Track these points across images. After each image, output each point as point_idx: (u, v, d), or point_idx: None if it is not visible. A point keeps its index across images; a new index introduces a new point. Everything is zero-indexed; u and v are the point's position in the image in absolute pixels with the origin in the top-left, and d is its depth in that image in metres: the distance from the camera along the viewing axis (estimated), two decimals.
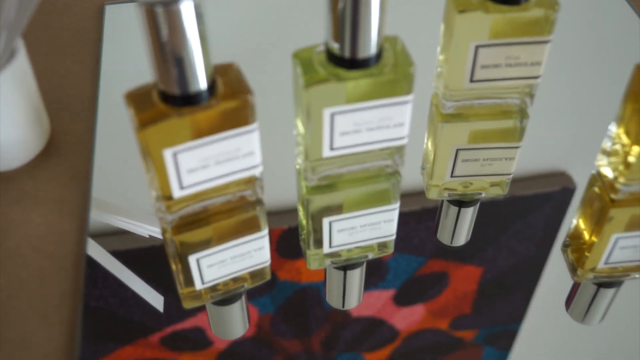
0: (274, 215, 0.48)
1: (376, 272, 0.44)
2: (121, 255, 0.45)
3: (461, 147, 0.50)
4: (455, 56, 0.45)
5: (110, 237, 0.45)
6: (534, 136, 0.51)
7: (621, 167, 0.42)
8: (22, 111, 0.44)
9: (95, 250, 0.44)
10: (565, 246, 0.47)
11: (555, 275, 0.45)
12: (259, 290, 0.43)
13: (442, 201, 0.50)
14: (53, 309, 0.39)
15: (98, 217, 0.45)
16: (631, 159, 0.41)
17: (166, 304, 0.43)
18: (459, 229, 0.50)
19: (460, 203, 0.50)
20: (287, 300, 0.43)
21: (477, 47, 0.44)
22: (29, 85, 0.44)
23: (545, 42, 0.44)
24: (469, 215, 0.50)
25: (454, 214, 0.50)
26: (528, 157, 0.51)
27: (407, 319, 0.43)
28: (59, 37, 0.55)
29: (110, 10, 0.58)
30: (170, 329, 0.42)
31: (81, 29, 0.55)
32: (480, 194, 0.50)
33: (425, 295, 0.43)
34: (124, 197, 0.46)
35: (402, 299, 0.43)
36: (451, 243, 0.49)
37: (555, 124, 0.53)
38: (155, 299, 0.44)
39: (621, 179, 0.43)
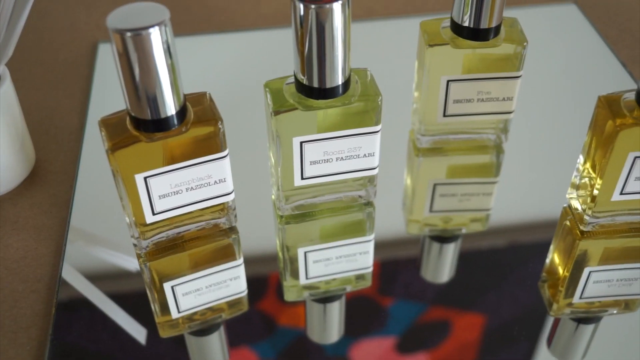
0: (268, 259, 0.48)
1: (377, 319, 0.43)
2: (100, 285, 0.45)
3: (438, 182, 0.50)
4: (428, 91, 0.46)
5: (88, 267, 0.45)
6: (519, 175, 0.51)
7: (588, 200, 0.43)
8: (6, 139, 0.45)
9: (74, 278, 0.45)
10: (542, 282, 0.47)
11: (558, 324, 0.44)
12: (259, 334, 0.42)
13: (424, 237, 0.51)
14: (23, 330, 0.40)
15: (77, 245, 0.46)
16: (596, 191, 0.42)
17: (151, 342, 0.42)
18: (442, 265, 0.50)
19: (442, 239, 0.50)
20: (288, 346, 0.42)
21: (448, 82, 0.45)
22: (14, 114, 0.46)
23: (516, 77, 0.45)
24: (450, 251, 0.50)
25: (437, 250, 0.50)
26: (526, 201, 0.51)
27: None
28: (53, 72, 0.57)
29: (103, 48, 0.60)
30: None
31: (74, 65, 0.57)
32: (461, 229, 0.51)
33: (428, 344, 0.42)
34: (103, 226, 0.47)
35: (405, 347, 0.42)
36: (435, 280, 0.49)
37: (529, 159, 0.53)
38: (135, 329, 0.44)
39: (589, 212, 0.43)
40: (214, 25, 0.63)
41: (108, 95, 0.55)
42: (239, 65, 0.58)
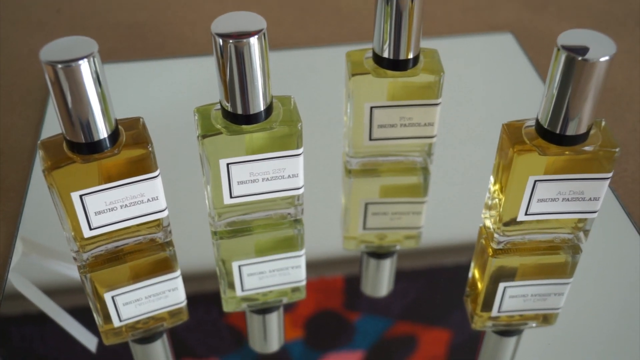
0: (207, 272, 0.50)
1: (343, 333, 0.45)
2: (47, 294, 0.48)
3: (370, 201, 0.54)
4: (353, 116, 0.49)
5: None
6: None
7: (498, 220, 0.46)
8: None
9: (24, 286, 0.47)
10: (466, 296, 0.50)
11: (529, 342, 0.45)
12: (227, 348, 0.44)
13: (362, 254, 0.54)
14: None
15: (31, 258, 0.49)
16: (501, 210, 0.45)
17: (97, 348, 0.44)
18: (380, 280, 0.53)
19: (379, 255, 0.53)
20: (257, 359, 0.44)
21: (371, 108, 0.48)
22: None
23: (435, 104, 0.48)
24: (387, 266, 0.53)
25: (375, 265, 0.53)
26: (451, 220, 0.53)
27: None
28: (11, 96, 0.61)
29: None
30: None
31: (30, 90, 0.61)
32: (395, 245, 0.54)
33: (394, 358, 0.44)
34: (48, 238, 0.49)
35: None
36: (376, 294, 0.51)
37: (454, 180, 0.56)
38: (80, 334, 0.46)
39: (498, 231, 0.46)
40: (167, 51, 0.66)
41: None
42: (189, 90, 0.61)
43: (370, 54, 0.48)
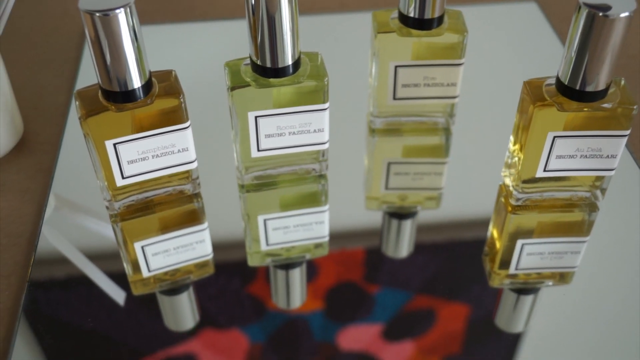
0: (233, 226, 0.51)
1: (363, 306, 0.45)
2: (77, 244, 0.49)
3: (392, 161, 0.55)
4: (378, 75, 0.50)
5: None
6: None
7: (516, 176, 0.47)
8: None
9: (56, 239, 0.49)
10: (484, 255, 0.51)
11: (545, 315, 0.45)
12: (249, 318, 0.45)
13: (384, 215, 0.55)
14: (4, 277, 0.45)
15: (56, 208, 0.50)
16: (520, 167, 0.46)
17: (158, 329, 0.45)
18: (401, 241, 0.53)
19: (399, 215, 0.54)
20: (278, 331, 0.44)
21: (396, 67, 0.49)
22: (4, 90, 0.51)
23: (458, 64, 0.49)
24: (408, 227, 0.53)
25: (396, 225, 0.53)
26: (473, 180, 0.54)
27: (396, 354, 0.43)
28: (45, 54, 0.62)
29: None
30: (163, 353, 0.43)
31: (64, 48, 0.63)
32: (416, 207, 0.55)
33: (413, 332, 0.44)
34: (81, 191, 0.51)
35: (391, 334, 0.44)
36: (395, 254, 0.51)
37: (475, 141, 0.56)
38: (117, 293, 0.47)
39: (517, 188, 0.48)
40: (198, 14, 0.67)
41: (93, 75, 0.60)
42: (221, 51, 0.63)
43: (396, 15, 0.49)
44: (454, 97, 0.52)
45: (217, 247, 0.49)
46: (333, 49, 0.64)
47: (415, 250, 0.49)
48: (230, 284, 0.47)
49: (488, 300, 0.46)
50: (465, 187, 0.53)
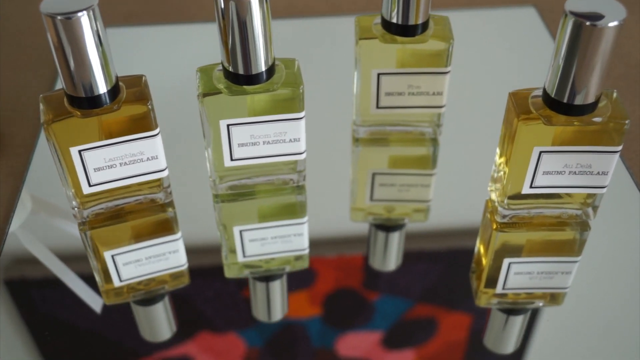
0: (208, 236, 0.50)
1: (362, 313, 0.44)
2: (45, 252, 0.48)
3: (377, 171, 0.53)
4: (360, 83, 0.48)
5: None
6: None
7: (501, 192, 0.45)
8: None
9: (30, 244, 0.48)
10: (471, 272, 0.49)
11: (549, 327, 0.44)
12: (246, 322, 0.44)
13: (370, 227, 0.53)
14: None
15: (32, 212, 0.49)
16: (505, 182, 0.44)
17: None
18: (389, 254, 0.52)
19: (387, 227, 0.52)
20: (275, 335, 0.43)
21: (379, 75, 0.47)
22: None
23: (444, 73, 0.47)
24: (396, 240, 0.51)
25: (382, 238, 0.52)
26: (460, 193, 0.52)
27: None
28: (26, 55, 0.61)
29: None
30: (159, 356, 0.43)
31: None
32: (404, 219, 0.53)
33: (414, 340, 0.43)
34: (54, 198, 0.50)
35: (391, 342, 0.43)
36: (383, 268, 0.50)
37: (463, 152, 0.55)
38: (94, 300, 0.46)
39: (502, 204, 0.45)
40: (176, 16, 0.66)
41: None
42: (198, 55, 0.61)
43: (379, 20, 0.47)
44: (440, 107, 0.50)
45: (203, 251, 0.48)
46: (322, 53, 0.63)
47: (415, 258, 0.48)
48: (228, 286, 0.46)
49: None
50: (453, 199, 0.51)
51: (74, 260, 0.47)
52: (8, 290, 0.45)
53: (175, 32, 0.66)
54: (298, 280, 0.46)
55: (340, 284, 0.46)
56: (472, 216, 0.50)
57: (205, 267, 0.48)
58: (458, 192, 0.51)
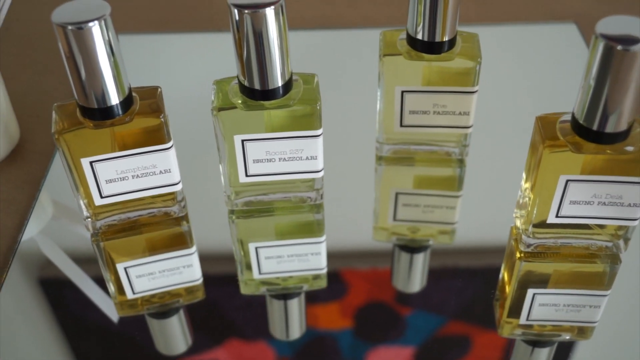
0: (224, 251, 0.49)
1: (394, 327, 0.43)
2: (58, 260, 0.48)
3: (401, 191, 0.51)
4: (384, 100, 0.47)
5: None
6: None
7: (526, 219, 0.43)
8: None
9: (50, 250, 0.47)
10: (495, 300, 0.47)
11: (590, 350, 0.43)
12: (249, 330, 0.43)
13: (394, 247, 0.51)
14: None
15: (53, 218, 0.49)
16: (530, 210, 0.42)
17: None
18: (413, 276, 0.50)
19: (412, 249, 0.50)
20: (305, 346, 0.43)
21: (403, 92, 0.46)
22: None
23: (471, 92, 0.45)
24: (420, 261, 0.50)
25: (407, 259, 0.50)
26: (486, 216, 0.50)
27: None
28: (50, 59, 0.61)
29: None
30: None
31: None
32: (429, 240, 0.51)
33: (446, 358, 0.42)
34: (67, 205, 0.50)
35: (422, 359, 0.42)
36: (407, 289, 0.48)
37: (490, 174, 0.53)
38: (103, 302, 0.45)
39: (526, 232, 0.43)
40: (196, 25, 0.65)
41: None
42: (218, 66, 0.60)
43: (404, 36, 0.45)
44: (466, 127, 0.48)
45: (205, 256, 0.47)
46: (349, 66, 0.61)
47: (449, 274, 0.47)
48: (226, 295, 0.45)
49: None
50: (478, 223, 0.49)
51: (94, 268, 0.47)
52: (24, 294, 0.45)
53: (199, 40, 0.65)
54: (330, 292, 0.46)
55: (372, 297, 0.45)
56: (496, 241, 0.48)
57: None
58: (483, 216, 0.50)
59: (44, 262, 0.47)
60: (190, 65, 0.62)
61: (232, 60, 0.41)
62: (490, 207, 0.50)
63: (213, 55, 0.62)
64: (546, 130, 0.39)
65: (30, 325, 0.44)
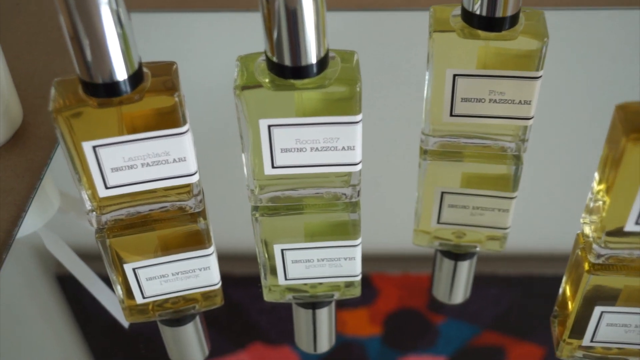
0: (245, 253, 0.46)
1: (425, 335, 0.41)
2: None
3: (447, 190, 0.45)
4: (433, 85, 0.41)
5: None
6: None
7: (599, 226, 0.37)
8: None
9: (54, 245, 0.44)
10: (554, 317, 0.41)
11: None
12: (272, 339, 0.41)
13: (436, 253, 0.46)
14: None
15: (60, 211, 0.45)
16: (605, 215, 0.36)
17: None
18: (456, 285, 0.45)
19: (456, 255, 0.45)
20: (332, 352, 0.40)
21: (455, 76, 0.40)
22: None
23: (534, 78, 0.40)
24: (465, 269, 0.45)
25: (449, 267, 0.45)
26: (544, 221, 0.46)
27: None
28: (60, 38, 0.56)
29: None
30: None
31: None
32: (475, 246, 0.46)
33: None
34: (69, 198, 0.46)
35: None
36: (449, 300, 0.45)
37: (551, 173, 0.48)
38: (113, 305, 0.42)
39: (598, 241, 0.37)
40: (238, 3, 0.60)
41: None
42: (240, 44, 0.56)
43: (459, 11, 0.39)
44: (527, 119, 0.42)
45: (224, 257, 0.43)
46: (391, 50, 0.56)
47: (486, 282, 0.44)
48: (247, 301, 0.43)
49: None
50: (535, 229, 0.45)
51: (102, 268, 0.42)
52: (21, 295, 0.42)
53: (220, 19, 0.60)
54: (358, 297, 0.43)
55: (403, 304, 0.43)
56: (557, 249, 0.44)
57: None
58: (542, 221, 0.45)
59: (48, 259, 0.44)
60: (210, 46, 0.58)
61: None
62: (550, 211, 0.45)
63: (236, 36, 0.58)
64: (629, 122, 0.33)
65: (30, 332, 0.40)
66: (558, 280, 0.42)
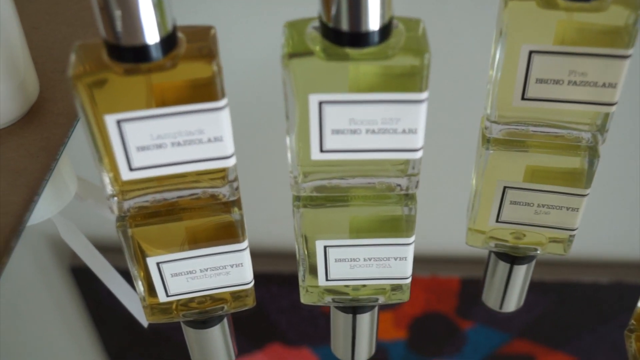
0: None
1: (452, 341, 0.41)
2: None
3: (510, 185, 0.41)
4: (504, 63, 0.37)
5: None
6: None
7: None
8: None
9: (69, 234, 0.42)
10: (629, 331, 0.37)
11: None
12: (320, 339, 0.41)
13: (490, 254, 0.42)
14: None
15: (77, 197, 0.43)
16: None
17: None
18: (510, 292, 0.42)
19: (512, 259, 0.42)
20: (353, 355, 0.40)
21: (531, 53, 0.35)
22: (8, 43, 0.41)
23: (623, 57, 0.35)
24: (521, 274, 0.42)
25: (504, 271, 0.42)
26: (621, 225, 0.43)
27: None
28: (82, 8, 0.53)
29: None
30: None
31: None
32: (536, 249, 0.42)
33: None
34: (93, 181, 0.43)
35: None
36: (500, 308, 0.42)
37: (632, 169, 0.45)
38: (132, 302, 0.41)
39: None
40: None
41: None
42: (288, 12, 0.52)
43: None
44: (610, 104, 0.37)
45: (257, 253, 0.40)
46: (452, 25, 0.53)
47: (545, 289, 0.43)
48: (282, 304, 0.43)
49: (599, 354, 0.41)
50: (606, 230, 0.43)
51: (122, 260, 0.39)
52: (32, 287, 0.41)
53: None
54: None
55: (430, 308, 0.43)
56: (629, 256, 0.42)
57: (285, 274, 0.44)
58: (614, 221, 0.42)
59: (62, 249, 0.42)
60: (253, 11, 0.55)
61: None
62: (625, 212, 0.41)
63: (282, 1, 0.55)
64: None
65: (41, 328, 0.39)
66: (597, 287, 0.41)
